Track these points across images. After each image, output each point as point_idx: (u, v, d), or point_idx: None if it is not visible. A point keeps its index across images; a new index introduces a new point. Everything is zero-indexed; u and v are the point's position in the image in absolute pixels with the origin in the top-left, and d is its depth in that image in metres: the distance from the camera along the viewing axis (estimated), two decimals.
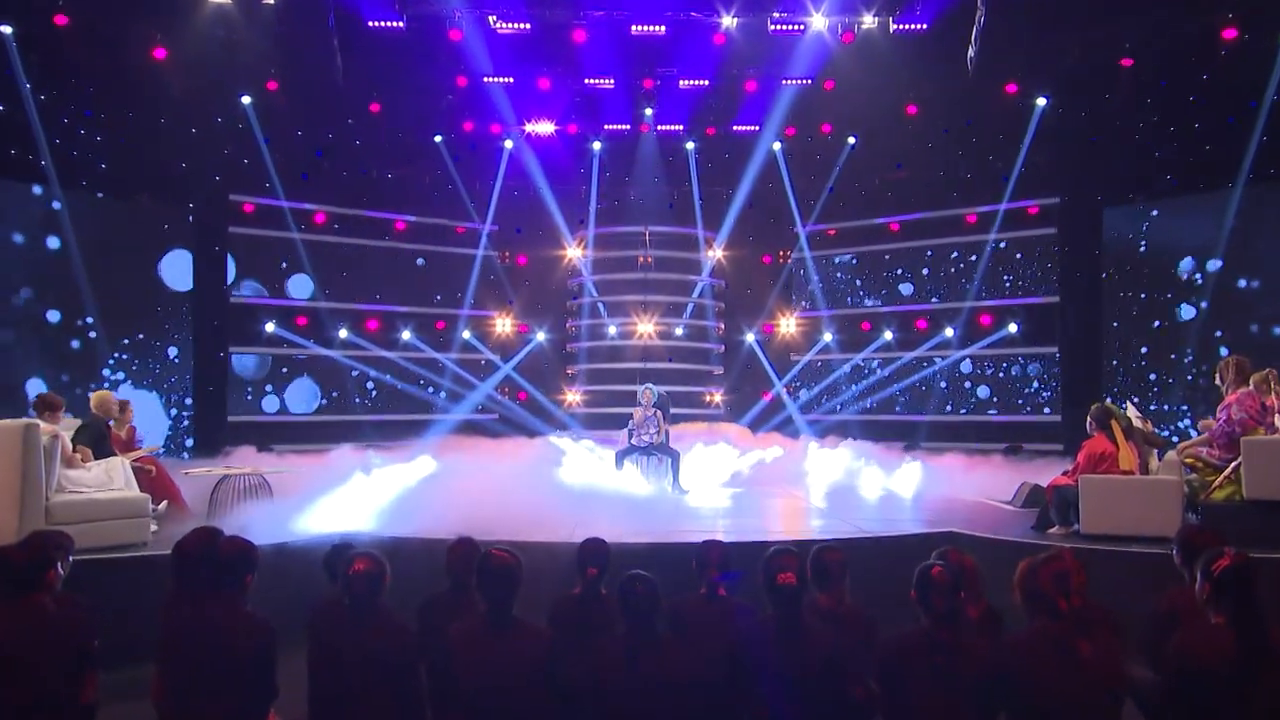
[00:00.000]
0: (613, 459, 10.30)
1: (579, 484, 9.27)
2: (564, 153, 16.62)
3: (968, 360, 15.55)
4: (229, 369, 14.57)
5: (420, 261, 16.27)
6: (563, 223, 16.63)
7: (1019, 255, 15.22)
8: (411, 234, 16.27)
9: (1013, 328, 15.11)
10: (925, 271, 16.04)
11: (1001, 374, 15.31)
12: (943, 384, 15.68)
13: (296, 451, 12.10)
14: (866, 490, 10.19)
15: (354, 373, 15.51)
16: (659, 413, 10.33)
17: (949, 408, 15.63)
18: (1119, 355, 13.50)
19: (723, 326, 17.44)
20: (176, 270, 13.82)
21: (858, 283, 16.69)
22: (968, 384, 15.58)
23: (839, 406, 16.54)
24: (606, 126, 16.40)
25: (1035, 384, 15.01)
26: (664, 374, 16.05)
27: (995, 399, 15.31)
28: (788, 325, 17.48)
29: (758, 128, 16.19)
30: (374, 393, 15.73)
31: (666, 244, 17.04)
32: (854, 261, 16.73)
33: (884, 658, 3.24)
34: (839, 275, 16.92)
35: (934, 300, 15.88)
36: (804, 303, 17.13)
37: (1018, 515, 8.11)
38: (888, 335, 16.18)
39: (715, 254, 17.05)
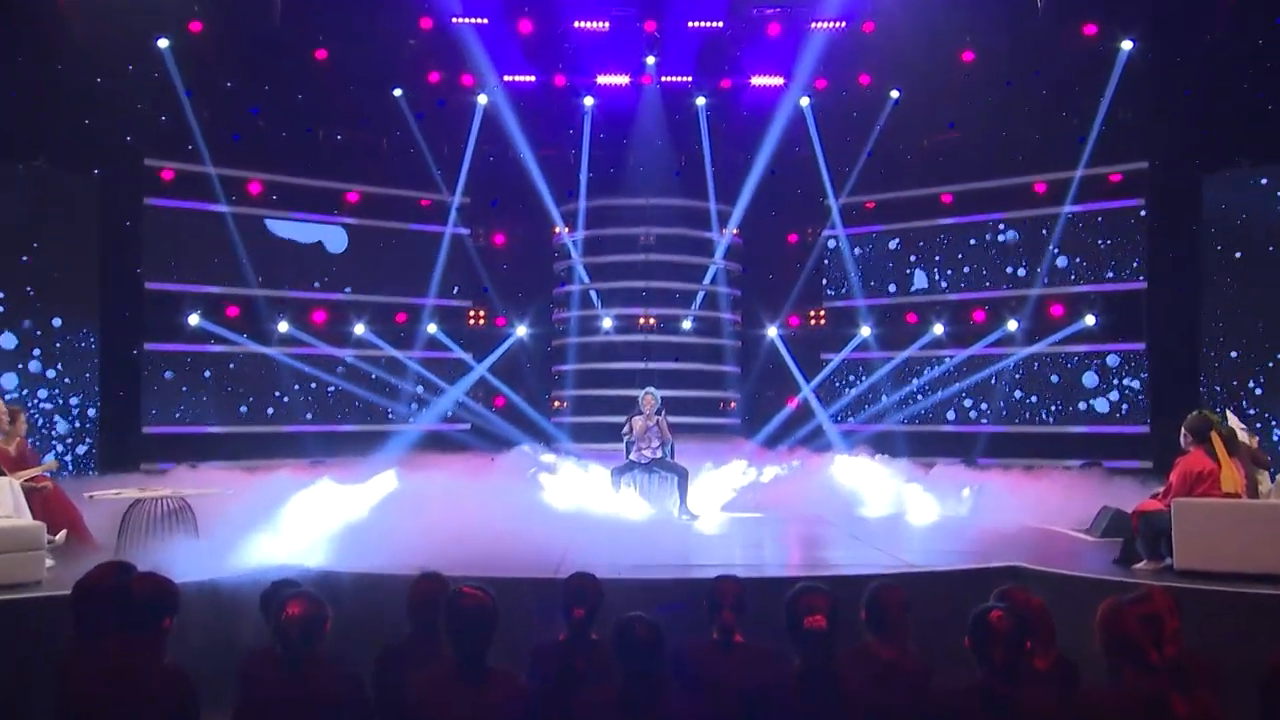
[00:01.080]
0: (607, 477, 10.31)
1: (566, 508, 9.28)
2: (549, 110, 16.60)
3: (1035, 359, 15.57)
4: (144, 370, 14.56)
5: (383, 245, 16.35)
6: (547, 195, 16.63)
7: (1098, 233, 15.23)
8: (366, 208, 16.27)
9: (1090, 320, 15.12)
10: (983, 252, 16.06)
11: (1076, 376, 15.30)
12: (1005, 387, 15.71)
13: (227, 469, 12.09)
14: (912, 515, 10.21)
15: (297, 375, 15.57)
16: (663, 422, 10.35)
17: (1012, 416, 15.67)
18: (1217, 355, 13.45)
19: (739, 319, 17.46)
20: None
21: (902, 266, 16.69)
22: (1035, 387, 15.59)
23: (879, 415, 16.58)
24: (600, 79, 16.39)
25: (1117, 388, 15.03)
26: (669, 376, 16.08)
27: (1068, 405, 15.31)
28: (818, 318, 17.51)
29: (782, 80, 16.20)
30: (321, 399, 15.79)
31: (672, 220, 17.04)
32: (897, 241, 16.74)
33: (933, 718, 3.21)
34: (879, 257, 16.92)
35: (994, 287, 15.93)
36: (840, 289, 17.17)
37: (1096, 547, 8.14)
38: (938, 329, 16.19)
39: (730, 232, 17.07)
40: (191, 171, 14.81)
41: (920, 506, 10.45)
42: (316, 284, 15.91)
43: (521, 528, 7.77)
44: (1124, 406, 14.92)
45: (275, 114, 15.45)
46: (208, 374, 15.05)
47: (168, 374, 14.71)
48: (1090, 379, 15.19)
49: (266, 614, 3.97)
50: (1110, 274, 15.10)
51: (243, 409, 15.24)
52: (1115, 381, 15.02)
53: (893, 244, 16.79)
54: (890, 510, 10.50)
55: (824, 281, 17.28)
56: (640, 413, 10.40)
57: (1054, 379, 15.48)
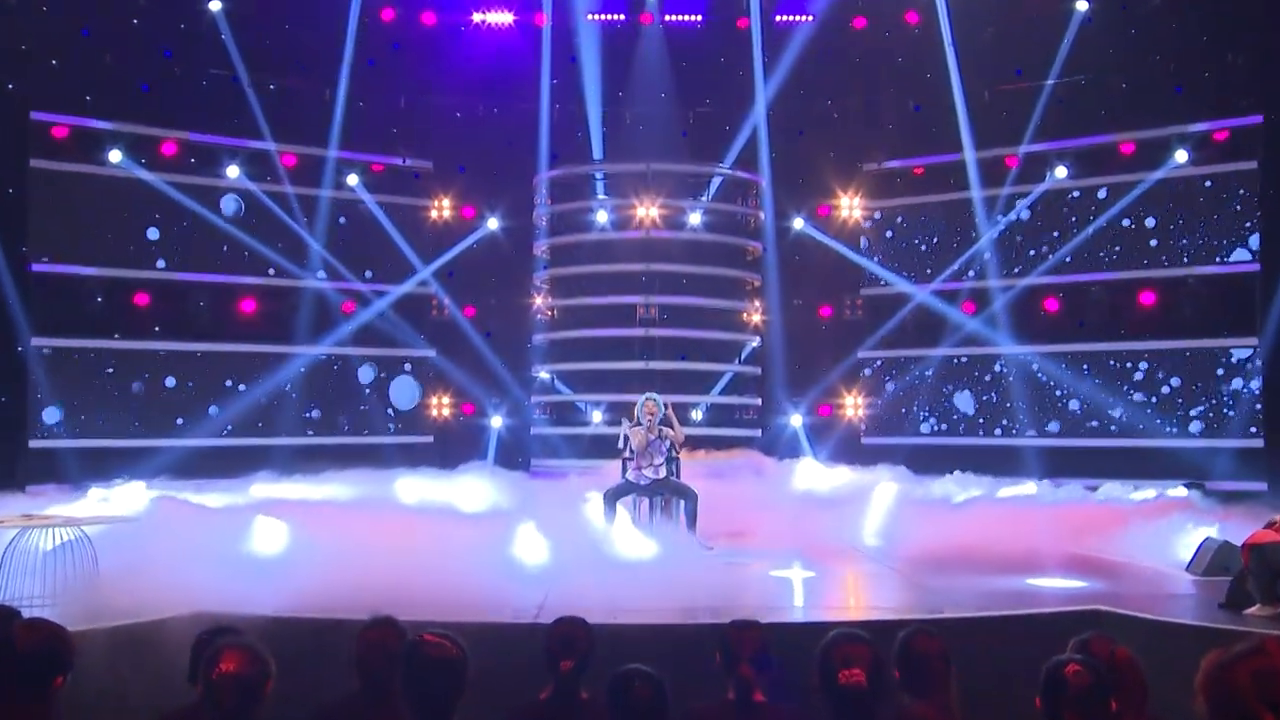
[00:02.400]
0: (599, 501, 10.32)
1: (549, 538, 9.27)
2: (528, 55, 16.59)
3: (1116, 356, 15.59)
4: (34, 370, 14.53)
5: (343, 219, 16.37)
6: (527, 160, 16.61)
7: (1200, 203, 15.22)
8: (304, 173, 16.27)
9: (1188, 309, 15.09)
10: (1056, 227, 16.07)
11: (1172, 376, 15.32)
12: (1084, 391, 15.71)
13: (136, 491, 11.88)
14: (970, 545, 10.21)
15: (224, 376, 15.56)
16: (669, 431, 10.35)
17: (1093, 424, 15.69)
18: None
19: (760, 309, 17.46)
20: None
21: (955, 245, 16.68)
22: (1121, 391, 15.60)
23: (928, 425, 16.58)
24: (590, 16, 16.42)
25: (1224, 392, 15.00)
26: (676, 378, 16.07)
27: (1162, 413, 15.31)
28: (854, 307, 17.49)
29: (810, 18, 16.19)
30: (253, 405, 15.76)
31: (678, 189, 17.02)
32: (947, 216, 16.75)
33: None
34: (930, 233, 16.91)
35: (1069, 269, 15.93)
36: (882, 269, 17.16)
37: (1198, 587, 8.16)
38: (997, 321, 16.18)
39: (748, 203, 17.03)
40: (89, 128, 14.78)
41: (978, 535, 10.42)
42: (246, 266, 15.90)
43: (495, 562, 7.77)
44: (1231, 416, 14.90)
45: (194, 58, 15.42)
46: (111, 373, 15.05)
47: (61, 375, 14.67)
48: (1190, 380, 15.18)
49: (194, 669, 3.95)
50: (1214, 253, 15.10)
51: (156, 418, 15.24)
52: (1220, 386, 14.99)
53: (945, 218, 16.82)
54: (942, 541, 10.47)
55: (862, 262, 17.30)
56: (639, 423, 10.39)
57: (1145, 378, 15.48)
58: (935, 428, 16.66)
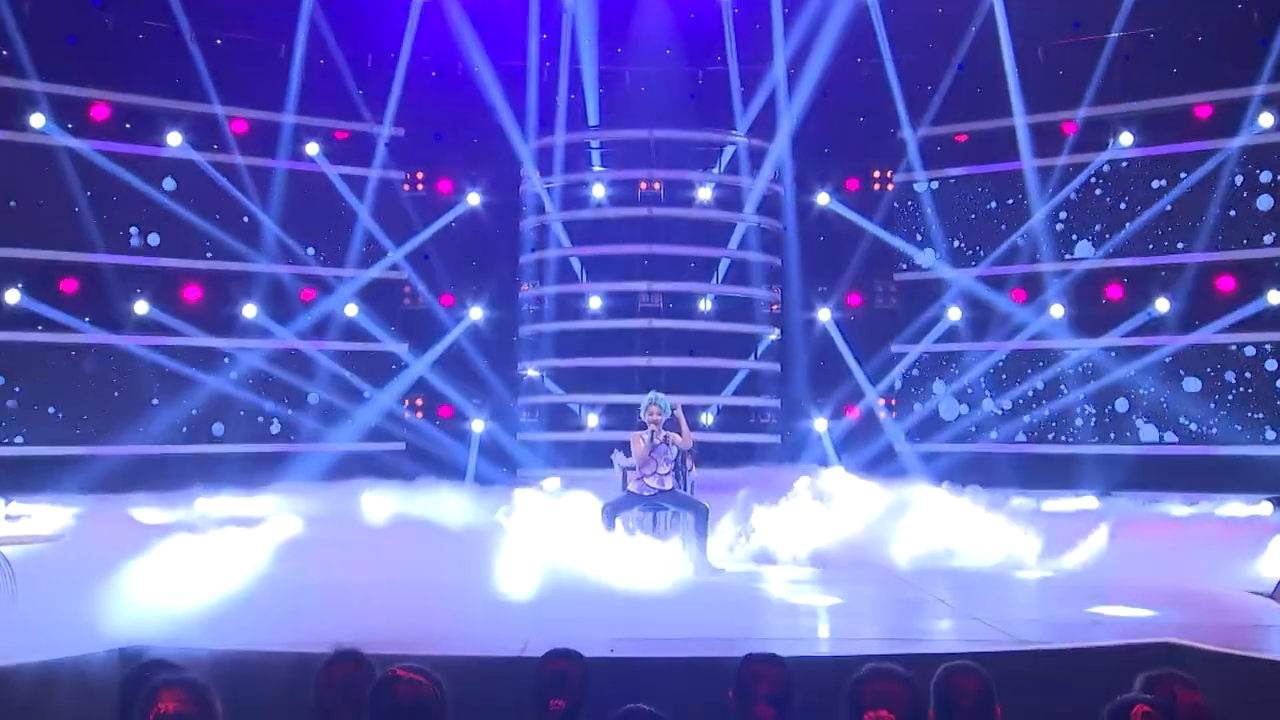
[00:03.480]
0: (598, 516, 10.33)
1: (540, 559, 9.26)
2: (513, 4, 16.54)
3: (1195, 353, 15.54)
4: None
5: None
6: (513, 126, 16.60)
7: None
8: (257, 140, 16.27)
9: (1275, 297, 15.12)
10: (1122, 202, 16.04)
11: (1256, 375, 15.29)
12: (1151, 392, 15.69)
13: (62, 506, 11.85)
14: (1022, 569, 10.22)
15: (162, 375, 15.54)
16: (675, 437, 10.36)
17: (1163, 432, 15.66)
18: None
19: (779, 297, 17.41)
20: None
21: (1005, 223, 16.65)
22: (1195, 393, 15.54)
23: (973, 430, 16.55)
24: None
25: None
26: (682, 376, 16.02)
27: (1245, 419, 15.24)
28: (888, 296, 17.43)
29: None
30: (196, 408, 15.77)
31: (686, 160, 16.90)
32: (995, 190, 16.67)
33: None
34: (975, 210, 16.87)
35: (1137, 251, 15.87)
36: (920, 250, 17.09)
37: None
38: (1057, 311, 16.20)
39: (767, 177, 17.01)
40: (7, 89, 14.76)
41: (1033, 557, 10.45)
42: (189, 248, 15.85)
43: (476, 587, 7.74)
44: None
45: (128, 8, 15.39)
46: (32, 371, 15.01)
47: None
48: (1269, 381, 15.16)
49: (127, 710, 3.92)
50: None
51: (85, 419, 15.24)
52: None
53: (992, 192, 16.76)
54: (991, 563, 10.52)
55: (896, 244, 17.25)
56: (643, 426, 10.37)
57: (1226, 380, 15.44)
58: (978, 432, 16.61)
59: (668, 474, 10.29)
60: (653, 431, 10.30)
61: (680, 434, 10.44)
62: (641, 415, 10.51)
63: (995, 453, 16.09)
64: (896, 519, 11.30)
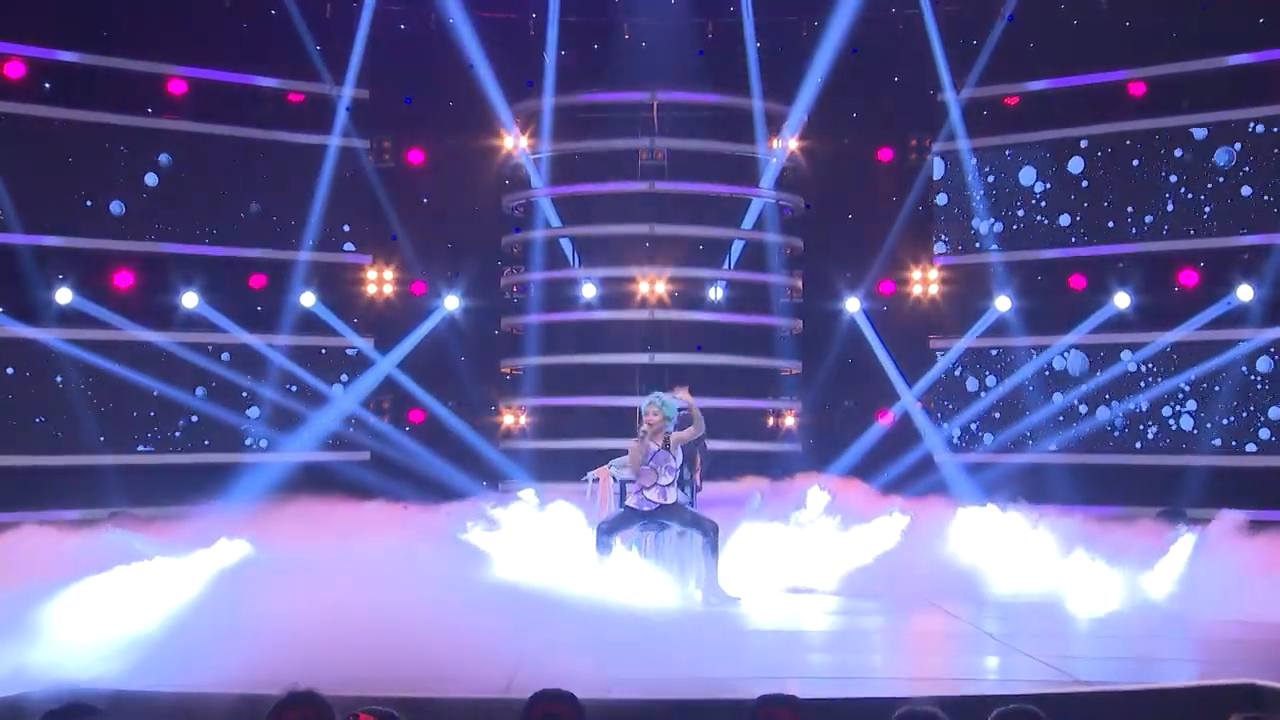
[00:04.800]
0: (592, 537, 10.27)
1: (526, 586, 9.23)
2: None
3: None
4: None
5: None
6: (494, 87, 16.57)
7: None
8: (199, 103, 16.24)
9: None
10: (1198, 175, 15.95)
11: None
12: (1232, 394, 15.64)
13: None
14: (1081, 600, 10.19)
15: (87, 373, 15.48)
16: (678, 438, 10.27)
17: (1247, 439, 15.62)
18: None
19: (799, 285, 17.38)
20: None
21: (1063, 198, 16.64)
22: None
23: (1026, 437, 16.53)
24: None
25: None
26: (690, 375, 15.82)
27: None
28: (926, 283, 17.45)
29: None
30: (126, 412, 15.72)
31: (693, 127, 16.91)
32: (1051, 161, 16.68)
33: None
34: (1025, 185, 16.87)
35: (1215, 231, 15.83)
36: (962, 237, 17.13)
37: None
38: (1122, 300, 16.17)
39: (786, 145, 17.02)
40: None
41: (1095, 585, 10.40)
42: (120, 227, 15.83)
43: (455, 618, 7.69)
44: None
45: None
46: None
47: None
48: None
49: None
50: None
51: None
52: None
53: (1048, 164, 16.72)
54: (1046, 592, 10.50)
55: (935, 225, 17.26)
56: (641, 434, 10.27)
57: None
58: (1032, 440, 16.57)
59: (670, 485, 10.19)
60: (644, 433, 10.16)
61: (691, 427, 10.29)
62: (641, 419, 10.40)
63: (1052, 464, 16.07)
64: (935, 540, 11.32)
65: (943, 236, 17.38)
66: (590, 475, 10.96)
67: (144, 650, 7.19)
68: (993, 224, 16.98)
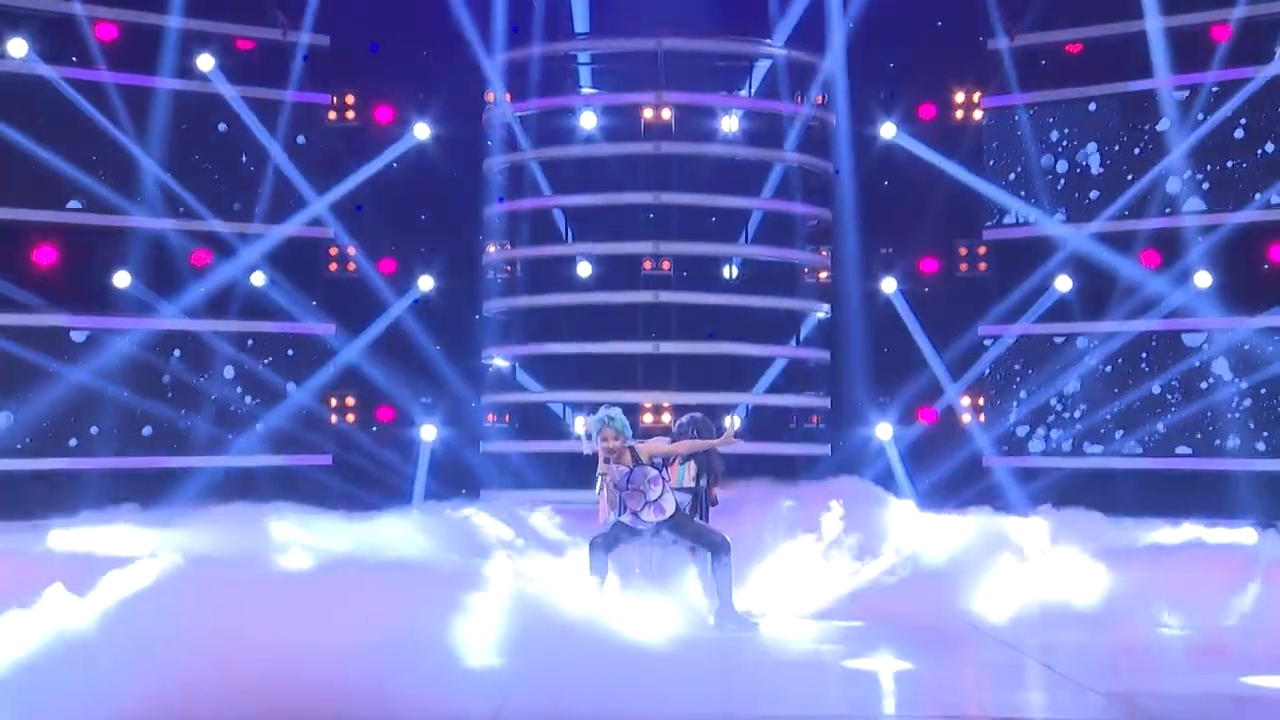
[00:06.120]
0: (585, 554, 10.18)
1: (513, 607, 9.16)
2: None
3: None
4: None
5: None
6: (473, 35, 16.64)
7: None
8: (131, 52, 16.25)
9: None
10: None
11: None
12: None
13: None
14: (1151, 625, 10.07)
15: (3, 363, 15.49)
16: (645, 451, 10.12)
17: None
18: None
19: (828, 262, 17.52)
20: None
21: (1131, 162, 16.65)
22: None
23: (1087, 439, 16.56)
24: None
25: None
26: (701, 366, 16.05)
27: None
28: (974, 260, 17.48)
29: None
30: (48, 409, 15.69)
31: (705, 80, 17.08)
32: (1119, 118, 16.68)
33: None
34: (1088, 146, 16.88)
35: None
36: (1018, 199, 17.12)
37: None
38: (1202, 280, 16.10)
39: (813, 101, 17.13)
40: None
41: (1165, 609, 10.29)
42: (40, 195, 15.84)
43: (431, 644, 7.60)
44: None
45: None
46: None
47: None
48: None
49: None
50: None
51: None
52: None
53: (1115, 121, 16.73)
54: (1110, 617, 10.30)
55: (985, 193, 17.26)
56: (607, 461, 10.15)
57: None
58: (1094, 442, 16.61)
59: (660, 497, 10.06)
60: (609, 460, 10.02)
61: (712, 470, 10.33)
62: (592, 432, 10.22)
63: (1116, 469, 16.16)
64: (981, 557, 11.28)
65: (993, 206, 17.34)
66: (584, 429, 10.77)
67: (93, 679, 7.12)
68: (1052, 190, 16.98)
